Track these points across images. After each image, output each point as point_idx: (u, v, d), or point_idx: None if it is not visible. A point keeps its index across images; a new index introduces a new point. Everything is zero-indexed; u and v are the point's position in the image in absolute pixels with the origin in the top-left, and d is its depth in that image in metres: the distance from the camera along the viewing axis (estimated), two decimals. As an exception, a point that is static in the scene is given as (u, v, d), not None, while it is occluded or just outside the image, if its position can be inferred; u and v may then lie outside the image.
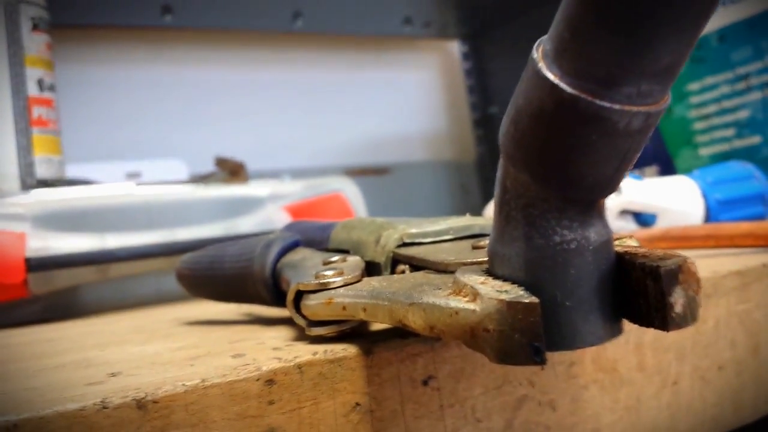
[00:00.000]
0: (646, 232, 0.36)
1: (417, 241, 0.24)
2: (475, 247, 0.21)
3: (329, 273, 0.21)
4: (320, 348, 0.19)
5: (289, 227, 0.37)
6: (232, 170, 0.75)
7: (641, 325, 0.15)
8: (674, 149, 0.65)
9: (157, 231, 0.56)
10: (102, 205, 0.57)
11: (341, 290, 0.20)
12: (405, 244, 0.24)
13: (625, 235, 0.17)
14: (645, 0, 0.12)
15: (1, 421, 0.15)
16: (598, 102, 0.14)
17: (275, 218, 0.61)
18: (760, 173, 0.46)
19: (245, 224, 0.60)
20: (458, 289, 0.16)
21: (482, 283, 0.16)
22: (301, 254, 0.28)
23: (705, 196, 0.44)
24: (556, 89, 0.14)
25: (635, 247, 0.16)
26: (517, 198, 0.15)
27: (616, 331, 0.16)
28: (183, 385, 0.17)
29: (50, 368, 0.22)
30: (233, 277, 0.30)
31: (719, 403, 0.26)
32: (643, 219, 0.42)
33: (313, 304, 0.20)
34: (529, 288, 0.15)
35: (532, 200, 0.15)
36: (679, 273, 0.15)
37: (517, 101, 0.15)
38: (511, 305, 0.14)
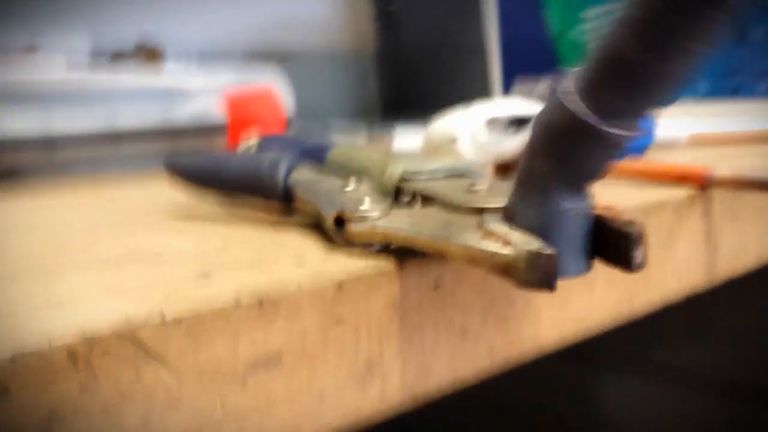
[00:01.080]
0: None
1: (416, 177, 0.31)
2: (470, 191, 0.29)
3: (366, 207, 0.28)
4: (364, 263, 0.26)
5: (265, 142, 0.43)
6: (148, 55, 0.77)
7: (612, 266, 0.24)
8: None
9: (98, 115, 0.59)
10: (41, 87, 0.58)
11: (381, 221, 0.27)
12: (406, 179, 0.31)
13: (603, 203, 0.26)
14: (650, 81, 0.20)
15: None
16: (606, 129, 0.21)
17: (211, 111, 0.65)
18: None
19: (182, 114, 0.63)
20: (489, 234, 0.24)
21: (508, 233, 0.23)
22: (306, 174, 0.35)
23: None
24: (579, 119, 0.21)
25: (607, 211, 0.25)
26: (540, 178, 0.23)
27: (590, 267, 0.24)
28: (285, 287, 0.23)
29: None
30: (241, 183, 0.36)
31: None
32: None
33: (359, 230, 0.27)
34: (541, 237, 0.23)
35: (549, 181, 0.23)
36: (640, 237, 0.23)
37: (547, 117, 0.22)
38: (538, 254, 0.22)
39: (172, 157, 0.41)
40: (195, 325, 0.22)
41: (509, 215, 0.24)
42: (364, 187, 0.31)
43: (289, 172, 0.35)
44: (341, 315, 0.25)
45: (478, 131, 0.47)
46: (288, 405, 0.24)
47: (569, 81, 0.22)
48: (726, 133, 0.64)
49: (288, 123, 0.70)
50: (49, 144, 0.56)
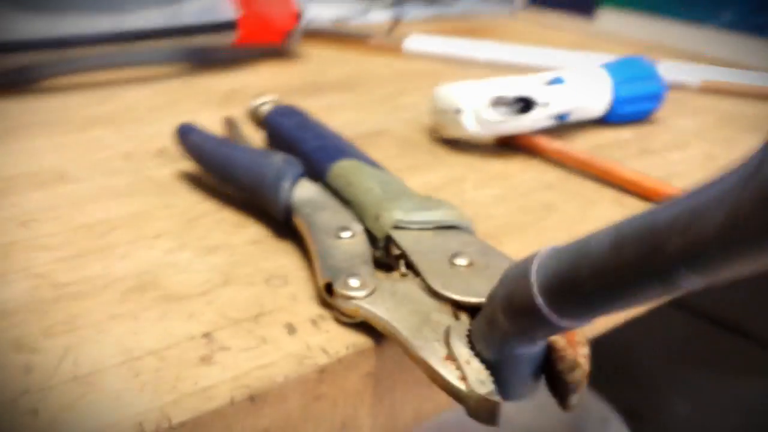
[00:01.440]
0: (572, 154, 0.46)
1: (408, 226, 0.34)
2: (452, 264, 0.31)
3: (355, 284, 0.31)
4: (345, 342, 0.30)
5: (277, 114, 0.44)
6: None
7: (551, 392, 0.28)
8: None
9: (105, 17, 0.58)
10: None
11: (365, 301, 0.30)
12: (398, 227, 0.34)
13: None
14: (605, 308, 0.22)
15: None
16: (563, 324, 0.24)
17: (221, 7, 0.64)
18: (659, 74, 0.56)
19: (189, 11, 0.62)
20: (451, 358, 0.27)
21: (467, 363, 0.27)
22: (308, 192, 0.37)
23: (614, 91, 0.53)
24: (539, 310, 0.24)
25: (561, 345, 0.28)
26: (499, 327, 0.26)
27: (536, 389, 0.28)
28: (273, 380, 0.27)
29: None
30: (245, 186, 0.38)
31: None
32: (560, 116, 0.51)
33: (345, 308, 0.30)
34: (495, 367, 0.26)
35: (507, 333, 0.26)
36: (578, 385, 0.26)
37: (512, 288, 0.25)
38: (485, 400, 0.25)
39: (186, 126, 0.43)
40: (196, 425, 0.26)
41: (473, 333, 0.28)
42: (359, 239, 0.34)
43: (291, 188, 0.37)
44: (321, 392, 0.29)
45: (483, 108, 0.47)
46: (271, 468, 0.29)
47: (536, 265, 0.24)
48: (738, 84, 0.63)
49: (298, 16, 0.69)
50: (59, 44, 0.56)
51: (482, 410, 0.26)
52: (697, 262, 0.17)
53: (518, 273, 0.24)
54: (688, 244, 0.17)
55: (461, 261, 0.32)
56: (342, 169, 0.38)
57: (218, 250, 0.36)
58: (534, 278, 0.24)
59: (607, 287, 0.21)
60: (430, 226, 0.34)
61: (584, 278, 0.22)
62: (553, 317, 0.23)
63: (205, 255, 0.36)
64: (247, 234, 0.38)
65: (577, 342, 0.28)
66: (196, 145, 0.41)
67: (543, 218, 0.41)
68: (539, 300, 0.23)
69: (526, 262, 0.24)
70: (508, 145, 0.51)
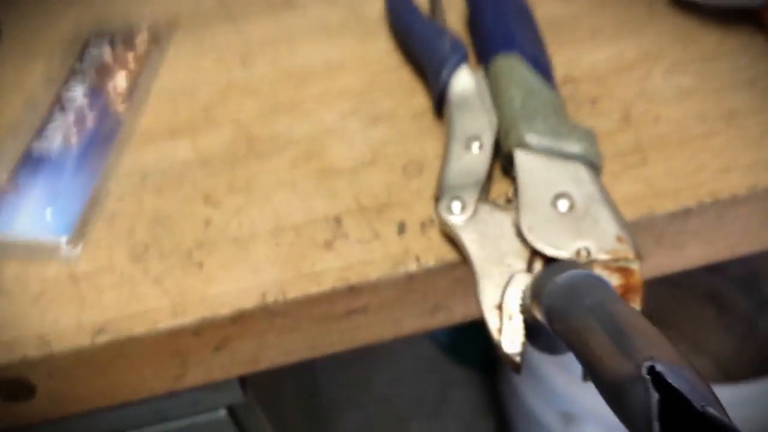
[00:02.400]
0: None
1: (531, 149, 0.35)
2: (553, 204, 0.34)
3: (455, 209, 0.35)
4: (443, 251, 0.35)
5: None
6: None
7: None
8: None
9: None
10: None
11: (460, 229, 0.34)
12: (523, 148, 0.36)
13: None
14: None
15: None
16: None
17: None
18: None
19: None
20: (499, 307, 0.31)
21: (509, 318, 0.31)
22: (465, 84, 0.39)
23: None
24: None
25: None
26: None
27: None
28: (367, 278, 0.34)
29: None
30: (416, 59, 0.42)
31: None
32: None
33: (442, 229, 0.35)
34: (533, 327, 0.31)
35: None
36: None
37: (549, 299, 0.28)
38: (508, 356, 0.30)
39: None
40: (303, 303, 0.35)
41: (527, 294, 0.31)
42: (483, 155, 0.36)
43: (449, 78, 0.39)
44: (412, 288, 0.36)
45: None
46: (369, 329, 0.37)
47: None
48: None
49: None
50: None
51: (507, 361, 0.31)
52: None
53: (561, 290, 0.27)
54: None
55: (566, 205, 0.34)
56: (497, 68, 0.39)
57: (381, 122, 0.41)
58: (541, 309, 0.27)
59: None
60: (556, 155, 0.35)
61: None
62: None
63: (369, 126, 0.41)
64: (413, 103, 0.42)
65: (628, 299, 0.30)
66: (393, 4, 0.44)
67: (715, 134, 0.39)
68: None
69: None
70: (748, 18, 0.44)
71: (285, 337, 0.36)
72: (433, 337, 1.21)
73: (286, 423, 0.55)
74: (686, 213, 0.36)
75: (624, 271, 0.32)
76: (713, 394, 0.18)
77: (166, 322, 0.34)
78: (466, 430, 1.12)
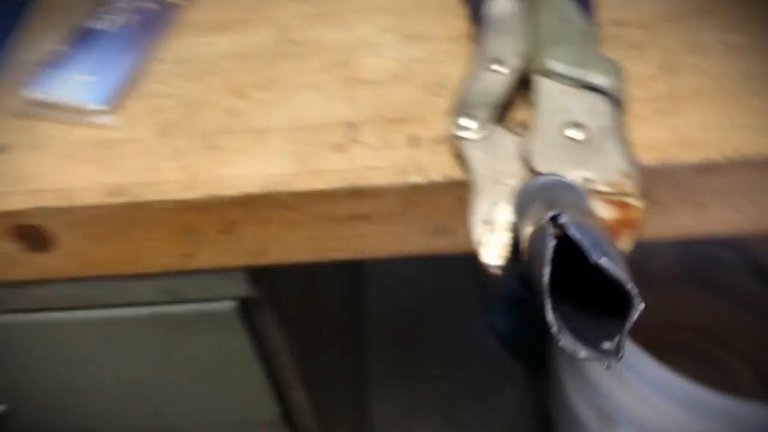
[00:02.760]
0: None
1: (554, 76, 0.35)
2: (564, 133, 0.33)
3: (467, 125, 0.35)
4: (452, 169, 0.35)
5: None
6: None
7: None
8: None
9: None
10: None
11: (468, 144, 0.35)
12: (544, 75, 0.35)
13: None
14: None
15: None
16: None
17: None
18: None
19: None
20: (488, 223, 0.32)
21: (492, 232, 0.31)
22: (504, 6, 0.39)
23: None
24: None
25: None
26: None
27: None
28: (370, 182, 0.35)
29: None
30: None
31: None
32: None
33: (453, 143, 0.35)
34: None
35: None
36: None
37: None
38: (488, 266, 0.31)
39: None
40: (306, 198, 0.36)
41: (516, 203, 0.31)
42: (506, 78, 0.36)
43: None
44: (416, 201, 0.36)
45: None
46: (371, 241, 0.38)
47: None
48: None
49: None
50: None
51: (486, 270, 0.31)
52: None
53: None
54: None
55: (577, 134, 0.33)
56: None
57: (417, 40, 0.42)
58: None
59: None
60: (577, 84, 0.35)
61: None
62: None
63: (404, 43, 0.42)
64: (452, 26, 0.42)
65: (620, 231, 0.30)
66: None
67: (756, 94, 0.37)
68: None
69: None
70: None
71: (290, 233, 0.38)
72: (492, 327, 1.20)
73: (313, 361, 0.57)
74: (709, 168, 0.35)
75: (623, 206, 0.31)
76: (617, 250, 0.18)
77: (177, 193, 0.36)
78: (511, 424, 1.11)
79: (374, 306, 1.24)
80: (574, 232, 0.18)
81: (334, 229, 0.37)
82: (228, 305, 0.43)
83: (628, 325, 0.18)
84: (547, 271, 0.19)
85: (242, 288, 0.43)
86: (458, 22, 0.42)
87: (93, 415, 0.54)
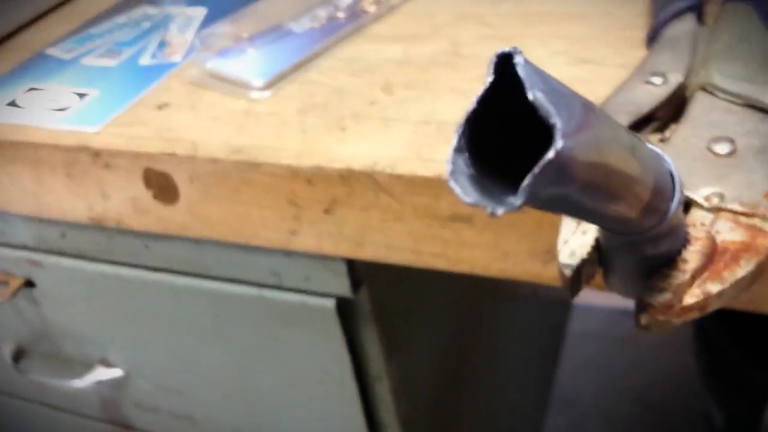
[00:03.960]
0: None
1: (715, 92, 0.29)
2: (709, 148, 0.27)
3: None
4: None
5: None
6: None
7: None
8: None
9: None
10: None
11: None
12: (706, 90, 0.30)
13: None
14: None
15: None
16: None
17: None
18: None
19: None
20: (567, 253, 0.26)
21: (584, 233, 0.26)
22: (682, 29, 0.34)
23: None
24: None
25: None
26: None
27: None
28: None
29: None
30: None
31: None
32: None
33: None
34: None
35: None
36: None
37: None
38: (559, 265, 0.25)
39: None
40: (412, 181, 0.33)
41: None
42: (662, 90, 0.31)
43: (667, 21, 0.35)
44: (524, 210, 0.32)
45: None
46: (471, 251, 0.34)
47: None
48: None
49: None
50: None
51: (560, 276, 0.26)
52: None
53: None
54: None
55: (720, 147, 0.27)
56: (723, 13, 0.33)
57: (585, 64, 0.38)
58: None
59: None
60: (743, 102, 0.29)
61: None
62: None
63: (570, 65, 0.38)
64: (629, 56, 0.37)
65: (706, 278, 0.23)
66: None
67: None
68: None
69: None
70: None
71: (389, 225, 0.35)
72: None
73: (406, 358, 0.52)
74: None
75: (754, 231, 0.24)
76: (565, 92, 0.14)
77: (288, 159, 0.35)
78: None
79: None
80: (521, 70, 0.14)
81: (435, 228, 0.34)
82: (328, 303, 0.41)
83: (539, 168, 0.13)
84: (471, 107, 0.15)
85: (343, 284, 0.40)
86: (638, 53, 0.38)
87: (195, 401, 0.54)
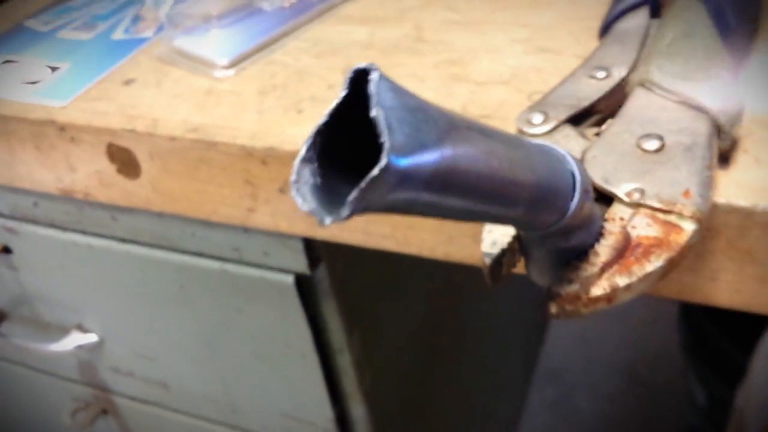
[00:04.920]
0: None
1: (652, 88, 0.30)
2: (638, 146, 0.28)
3: (535, 121, 0.31)
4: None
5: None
6: None
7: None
8: None
9: None
10: None
11: (529, 137, 0.30)
12: (643, 86, 0.30)
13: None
14: None
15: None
16: None
17: None
18: None
19: None
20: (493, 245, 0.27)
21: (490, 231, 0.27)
22: (631, 24, 0.34)
23: None
24: None
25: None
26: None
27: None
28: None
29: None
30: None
31: None
32: None
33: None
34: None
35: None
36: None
37: None
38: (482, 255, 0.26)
39: None
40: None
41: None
42: (603, 84, 0.32)
43: (620, 15, 0.35)
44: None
45: None
46: (419, 234, 0.35)
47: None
48: None
49: None
50: None
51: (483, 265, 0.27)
52: None
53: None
54: None
55: (648, 144, 0.28)
56: (675, 8, 0.33)
57: (543, 53, 0.38)
58: None
59: None
60: (679, 100, 0.29)
61: None
62: None
63: (529, 53, 0.38)
64: (589, 46, 0.38)
65: (616, 270, 0.24)
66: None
67: None
68: None
69: None
70: None
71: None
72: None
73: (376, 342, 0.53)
74: None
75: (669, 227, 0.25)
76: (424, 110, 0.14)
77: (243, 140, 0.36)
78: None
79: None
80: (373, 87, 0.15)
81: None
82: (287, 278, 0.42)
83: (365, 183, 0.14)
84: (322, 120, 0.16)
85: (300, 261, 0.41)
86: (597, 43, 0.38)
87: (167, 368, 0.55)
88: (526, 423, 1.18)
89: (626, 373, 1.26)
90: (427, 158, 0.15)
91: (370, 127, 0.15)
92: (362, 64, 0.15)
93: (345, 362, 0.48)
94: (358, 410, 0.51)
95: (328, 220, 0.15)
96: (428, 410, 0.67)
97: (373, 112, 0.14)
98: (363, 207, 0.14)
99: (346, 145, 0.16)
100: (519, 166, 0.18)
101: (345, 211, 0.14)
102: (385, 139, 0.14)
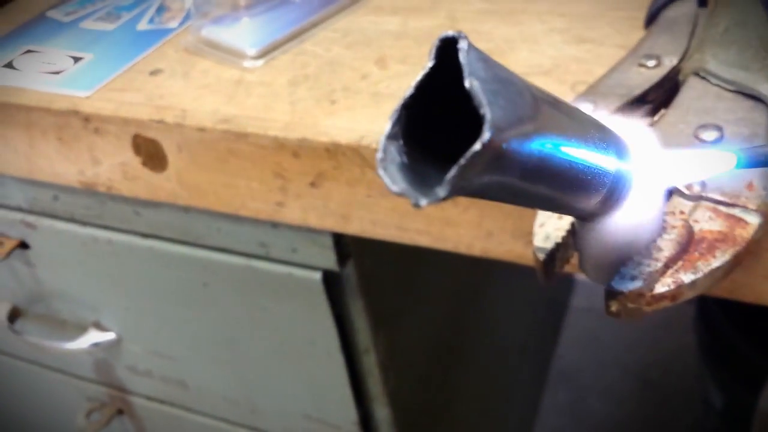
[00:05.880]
0: None
1: (707, 77, 0.29)
2: (697, 137, 0.27)
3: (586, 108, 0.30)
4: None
5: None
6: None
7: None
8: None
9: None
10: None
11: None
12: (698, 75, 0.29)
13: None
14: None
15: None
16: None
17: None
18: None
19: None
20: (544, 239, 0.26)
21: (560, 218, 0.25)
22: (679, 12, 0.33)
23: None
24: None
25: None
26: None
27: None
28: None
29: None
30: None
31: None
32: None
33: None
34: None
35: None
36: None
37: None
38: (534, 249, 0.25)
39: None
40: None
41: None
42: (654, 72, 0.30)
43: (664, 4, 0.34)
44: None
45: None
46: (456, 230, 0.34)
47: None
48: None
49: None
50: None
51: (535, 260, 0.26)
52: None
53: None
54: None
55: (706, 135, 0.27)
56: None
57: (583, 43, 0.37)
58: None
59: None
60: (735, 89, 0.28)
61: None
62: None
63: (569, 43, 0.37)
64: (629, 36, 0.37)
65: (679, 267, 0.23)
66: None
67: None
68: None
69: None
70: None
71: (375, 200, 0.35)
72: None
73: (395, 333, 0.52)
74: None
75: (733, 221, 0.24)
76: (514, 82, 0.13)
77: (275, 131, 0.35)
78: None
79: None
80: (462, 55, 0.13)
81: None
82: (314, 275, 0.41)
83: (464, 159, 0.13)
84: (408, 92, 0.14)
85: (329, 257, 0.40)
86: (638, 34, 0.37)
87: (186, 367, 0.54)
88: (539, 426, 1.17)
89: (639, 376, 1.25)
90: (526, 131, 0.14)
91: (453, 102, 0.14)
92: (450, 32, 0.14)
93: (370, 362, 0.47)
94: (382, 412, 0.50)
95: (423, 202, 0.14)
96: (447, 412, 0.66)
97: (467, 83, 0.13)
98: (460, 187, 0.13)
99: (426, 121, 0.15)
100: (604, 153, 0.17)
101: (442, 191, 0.13)
102: (486, 111, 0.13)
